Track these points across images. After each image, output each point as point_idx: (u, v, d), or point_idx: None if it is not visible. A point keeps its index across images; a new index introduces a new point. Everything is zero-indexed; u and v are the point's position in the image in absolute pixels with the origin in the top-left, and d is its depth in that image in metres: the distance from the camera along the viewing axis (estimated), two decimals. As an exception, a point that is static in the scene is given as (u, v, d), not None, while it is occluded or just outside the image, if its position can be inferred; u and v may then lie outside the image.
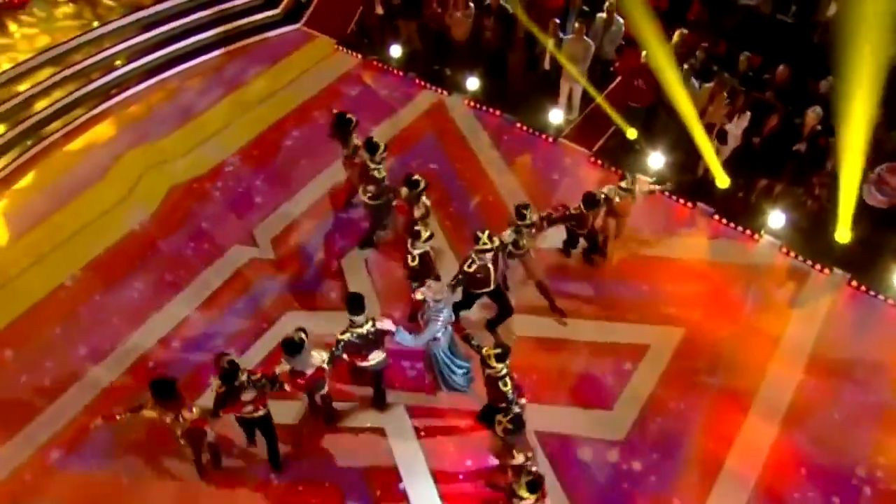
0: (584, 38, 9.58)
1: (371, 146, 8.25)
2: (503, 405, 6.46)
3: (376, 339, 6.74)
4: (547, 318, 8.15)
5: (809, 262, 8.66)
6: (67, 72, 10.83)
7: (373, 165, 8.23)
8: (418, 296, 6.98)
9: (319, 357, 6.47)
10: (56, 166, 10.18)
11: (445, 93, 11.02)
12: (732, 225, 9.05)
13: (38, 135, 10.36)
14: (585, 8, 10.08)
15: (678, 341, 8.04)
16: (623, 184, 8.12)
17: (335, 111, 9.08)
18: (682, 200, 9.34)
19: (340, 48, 11.84)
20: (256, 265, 8.91)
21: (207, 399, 6.76)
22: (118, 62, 11.31)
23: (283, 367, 6.38)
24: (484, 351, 6.46)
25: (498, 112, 10.61)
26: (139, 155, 10.28)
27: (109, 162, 10.18)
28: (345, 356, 6.73)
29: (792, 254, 8.76)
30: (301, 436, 7.35)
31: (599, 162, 9.87)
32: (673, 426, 7.44)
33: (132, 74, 11.26)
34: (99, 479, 7.10)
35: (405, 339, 6.70)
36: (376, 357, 6.88)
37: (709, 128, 8.96)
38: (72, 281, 8.75)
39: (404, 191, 7.98)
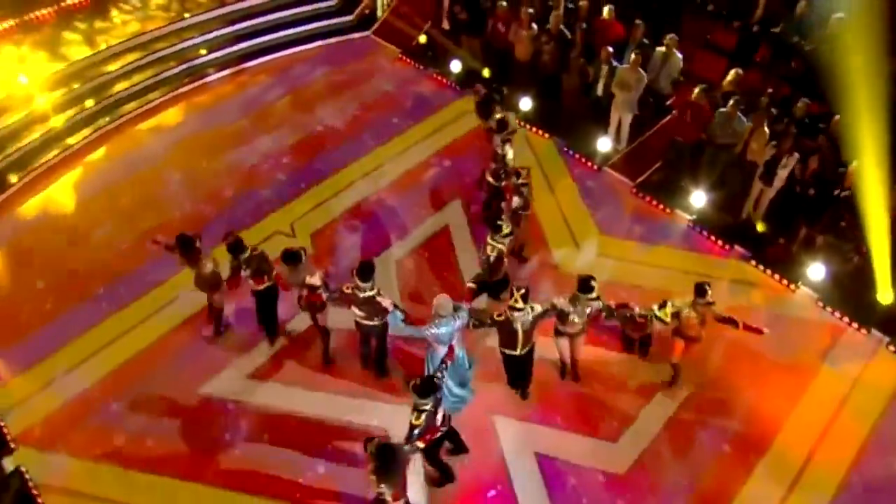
0: (639, 69, 9.61)
1: (500, 124, 8.68)
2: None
3: (374, 308, 7.18)
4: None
5: (846, 320, 8.34)
6: (150, 58, 11.81)
7: (498, 141, 8.63)
8: (435, 300, 7.14)
9: (314, 277, 7.24)
10: (127, 142, 11.11)
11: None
12: (769, 272, 8.83)
13: (116, 112, 11.36)
14: (646, 41, 10.08)
15: (695, 384, 7.90)
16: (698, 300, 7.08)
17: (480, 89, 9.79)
18: (719, 241, 9.19)
19: (403, 58, 12.29)
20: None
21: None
22: (202, 51, 12.21)
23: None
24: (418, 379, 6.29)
25: (547, 134, 10.76)
26: (201, 140, 11.05)
27: (174, 143, 11.01)
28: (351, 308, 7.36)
29: (829, 309, 8.47)
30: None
31: (641, 194, 9.84)
32: (676, 469, 7.32)
33: (207, 65, 12.14)
34: (124, 435, 7.65)
35: (396, 321, 7.01)
36: (366, 318, 7.24)
37: (751, 166, 8.82)
38: (123, 245, 9.51)
39: (513, 179, 8.38)
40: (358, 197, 10.07)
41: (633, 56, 9.57)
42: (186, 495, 7.18)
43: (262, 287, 7.88)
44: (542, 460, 7.34)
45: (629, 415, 7.69)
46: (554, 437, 7.50)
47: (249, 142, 11.00)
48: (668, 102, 10.47)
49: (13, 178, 10.38)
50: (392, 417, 7.60)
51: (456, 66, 11.71)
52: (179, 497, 7.17)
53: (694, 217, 9.36)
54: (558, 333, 7.44)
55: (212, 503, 7.11)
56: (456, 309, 6.96)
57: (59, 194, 10.38)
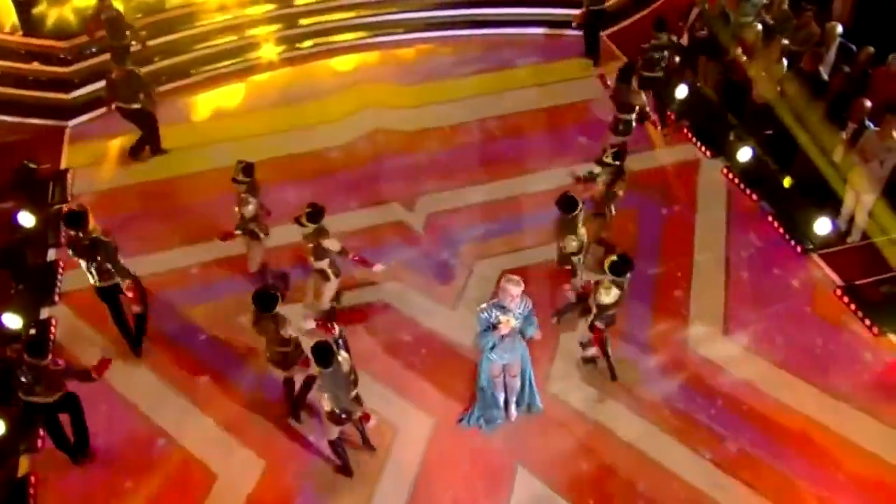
0: (893, 135, 8.81)
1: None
2: None
3: None
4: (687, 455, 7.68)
5: None
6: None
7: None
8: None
9: None
10: (301, 74, 13.29)
11: (709, 153, 11.11)
12: None
13: (306, 42, 13.72)
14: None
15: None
16: None
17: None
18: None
19: (628, 70, 12.66)
20: (398, 228, 10.29)
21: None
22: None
23: None
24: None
25: (755, 196, 10.34)
26: (371, 91, 12.66)
27: (344, 86, 12.82)
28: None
29: None
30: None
31: (847, 300, 8.92)
32: None
33: (410, 23, 13.96)
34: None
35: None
36: None
37: None
38: (266, 162, 10.88)
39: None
40: (495, 196, 10.64)
41: (887, 116, 8.82)
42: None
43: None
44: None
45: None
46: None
47: (417, 107, 12.30)
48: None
49: (192, 71, 13.10)
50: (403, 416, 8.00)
51: (681, 92, 11.69)
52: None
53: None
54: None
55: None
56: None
57: (226, 98, 12.83)
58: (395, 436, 7.86)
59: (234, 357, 8.68)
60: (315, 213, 8.21)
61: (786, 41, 10.44)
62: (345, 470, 7.48)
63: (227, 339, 8.85)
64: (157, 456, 7.82)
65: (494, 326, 6.92)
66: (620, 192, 9.22)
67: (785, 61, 10.33)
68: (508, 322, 6.79)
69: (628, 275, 7.67)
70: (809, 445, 7.61)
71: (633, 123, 10.19)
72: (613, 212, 9.33)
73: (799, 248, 9.59)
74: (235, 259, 9.48)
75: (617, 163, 8.97)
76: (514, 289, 6.78)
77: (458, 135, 11.78)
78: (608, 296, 7.56)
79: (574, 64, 13.14)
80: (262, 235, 8.92)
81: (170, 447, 7.86)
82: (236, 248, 9.27)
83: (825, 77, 10.01)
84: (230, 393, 8.34)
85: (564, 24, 13.65)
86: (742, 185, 10.55)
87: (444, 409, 8.07)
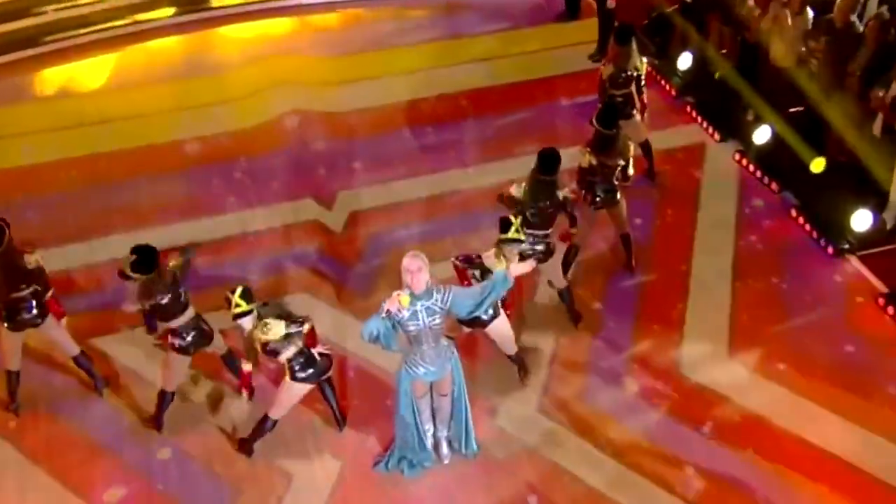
0: (949, 97, 8.78)
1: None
2: None
3: None
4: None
5: None
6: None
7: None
8: None
9: None
10: (193, 43, 13.71)
11: (717, 136, 11.18)
12: None
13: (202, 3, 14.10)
14: None
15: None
16: None
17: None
18: None
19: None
20: (312, 229, 10.31)
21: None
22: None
23: None
24: None
25: (775, 185, 10.36)
26: (286, 63, 12.89)
27: (248, 59, 13.07)
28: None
29: None
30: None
31: (893, 311, 8.75)
32: None
33: None
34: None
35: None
36: None
37: None
38: (142, 149, 11.48)
39: None
40: (436, 190, 10.71)
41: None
42: None
43: None
44: None
45: None
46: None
47: (346, 83, 12.48)
48: None
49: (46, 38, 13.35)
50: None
51: (685, 62, 11.81)
52: None
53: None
54: None
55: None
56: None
57: (92, 73, 13.12)
58: (290, 484, 7.62)
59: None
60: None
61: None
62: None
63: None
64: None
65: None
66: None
67: (810, 12, 10.40)
68: (399, 297, 6.62)
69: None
70: (842, 497, 7.33)
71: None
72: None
73: (831, 249, 9.54)
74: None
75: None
76: (411, 262, 6.62)
77: (394, 117, 11.93)
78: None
79: (546, 30, 13.45)
80: None
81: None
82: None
83: (861, 29, 10.02)
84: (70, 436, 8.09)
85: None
86: (759, 174, 10.58)
87: (355, 450, 7.89)
